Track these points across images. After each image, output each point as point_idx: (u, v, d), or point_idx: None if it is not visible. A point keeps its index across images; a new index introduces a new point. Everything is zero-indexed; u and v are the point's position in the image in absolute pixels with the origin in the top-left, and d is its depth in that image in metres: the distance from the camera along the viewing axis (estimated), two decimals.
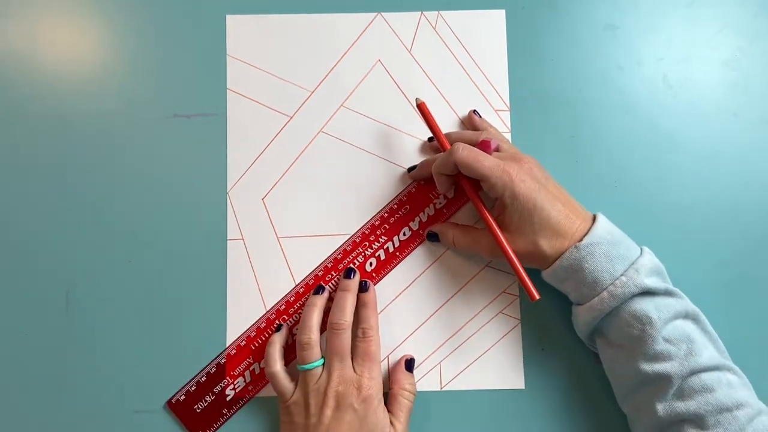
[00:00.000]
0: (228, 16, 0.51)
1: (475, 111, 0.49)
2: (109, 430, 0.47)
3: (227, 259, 0.49)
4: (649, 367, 0.40)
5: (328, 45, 0.51)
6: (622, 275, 0.40)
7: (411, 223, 0.49)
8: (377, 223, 0.49)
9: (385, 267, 0.49)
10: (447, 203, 0.49)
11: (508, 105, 0.50)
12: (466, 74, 0.51)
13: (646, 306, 0.40)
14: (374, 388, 0.43)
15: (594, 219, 0.43)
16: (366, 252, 0.49)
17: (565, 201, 0.43)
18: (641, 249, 0.42)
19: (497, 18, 0.51)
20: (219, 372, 0.48)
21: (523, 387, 0.48)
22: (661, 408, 0.39)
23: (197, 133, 0.50)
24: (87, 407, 0.47)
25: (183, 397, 0.47)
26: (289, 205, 0.50)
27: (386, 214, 0.49)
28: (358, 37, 0.51)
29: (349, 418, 0.42)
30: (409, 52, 0.51)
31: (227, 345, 0.48)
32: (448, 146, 0.44)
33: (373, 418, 0.43)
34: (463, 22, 0.51)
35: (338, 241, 0.49)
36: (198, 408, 0.47)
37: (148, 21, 0.51)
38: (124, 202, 0.49)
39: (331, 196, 0.50)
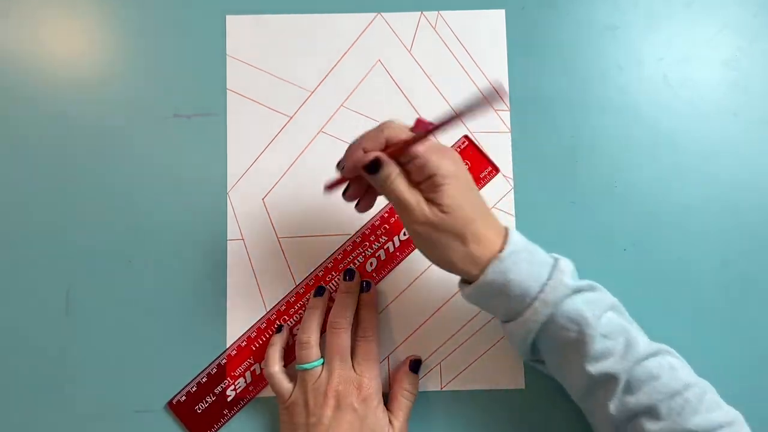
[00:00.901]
0: (228, 16, 0.51)
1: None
2: (109, 430, 0.47)
3: (227, 259, 0.49)
4: (593, 368, 0.39)
5: (328, 45, 0.51)
6: (549, 280, 0.39)
7: None
8: (377, 223, 0.49)
9: (385, 267, 0.49)
10: None
11: (508, 105, 0.50)
12: (466, 74, 0.51)
13: (577, 306, 0.39)
14: (374, 387, 0.43)
15: (506, 229, 0.40)
16: (366, 252, 0.49)
17: (485, 204, 0.41)
18: (551, 254, 0.41)
19: (497, 18, 0.51)
20: (220, 373, 0.48)
21: (523, 387, 0.48)
22: (613, 406, 0.39)
23: (197, 133, 0.50)
24: (87, 407, 0.47)
25: (184, 397, 0.47)
26: (289, 205, 0.50)
27: (386, 214, 0.49)
28: (358, 37, 0.51)
29: (349, 418, 0.42)
30: (409, 52, 0.51)
31: (228, 345, 0.48)
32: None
33: (372, 419, 0.43)
34: (463, 22, 0.51)
35: (338, 241, 0.49)
36: (199, 409, 0.47)
37: (148, 21, 0.51)
38: (124, 202, 0.49)
39: (331, 196, 0.49)
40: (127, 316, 0.48)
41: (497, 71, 0.51)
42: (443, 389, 0.48)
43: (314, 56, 0.51)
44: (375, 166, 0.39)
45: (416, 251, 0.49)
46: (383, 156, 0.39)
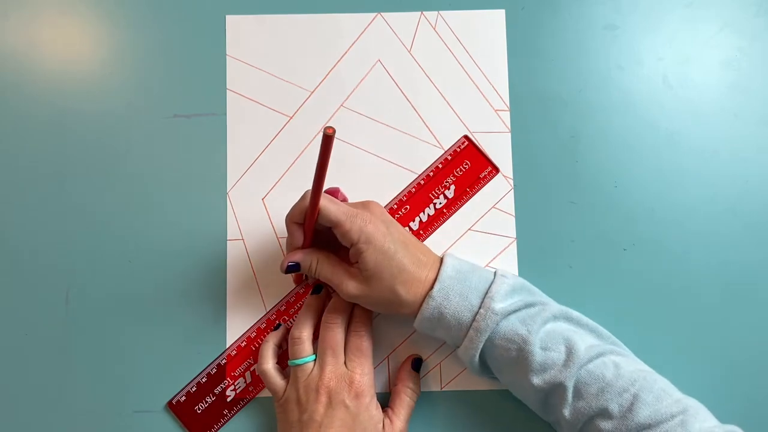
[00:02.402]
0: (228, 16, 0.51)
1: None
2: (109, 430, 0.47)
3: (227, 259, 0.49)
4: (539, 380, 0.40)
5: (328, 45, 0.51)
6: (480, 308, 0.41)
7: (411, 224, 0.49)
8: None
9: None
10: (447, 203, 0.49)
11: (508, 105, 0.50)
12: (466, 74, 0.51)
13: (513, 326, 0.41)
14: (366, 384, 0.43)
15: (441, 260, 0.43)
16: None
17: (413, 245, 0.43)
18: (494, 273, 0.43)
19: (497, 18, 0.51)
20: (219, 373, 0.48)
21: None
22: (567, 413, 0.40)
23: (197, 133, 0.50)
24: (87, 407, 0.47)
25: (183, 398, 0.47)
26: (289, 205, 0.49)
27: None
28: (358, 37, 0.51)
29: (341, 416, 0.42)
30: (409, 52, 0.51)
31: (227, 346, 0.48)
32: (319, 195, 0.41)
33: (365, 415, 0.43)
34: (463, 22, 0.51)
35: None
36: (198, 409, 0.47)
37: (148, 21, 0.51)
38: (124, 202, 0.49)
39: None
40: (127, 316, 0.48)
41: (497, 71, 0.51)
42: (443, 389, 0.48)
43: (314, 56, 0.51)
44: (293, 267, 0.44)
45: None
46: (294, 257, 0.44)
